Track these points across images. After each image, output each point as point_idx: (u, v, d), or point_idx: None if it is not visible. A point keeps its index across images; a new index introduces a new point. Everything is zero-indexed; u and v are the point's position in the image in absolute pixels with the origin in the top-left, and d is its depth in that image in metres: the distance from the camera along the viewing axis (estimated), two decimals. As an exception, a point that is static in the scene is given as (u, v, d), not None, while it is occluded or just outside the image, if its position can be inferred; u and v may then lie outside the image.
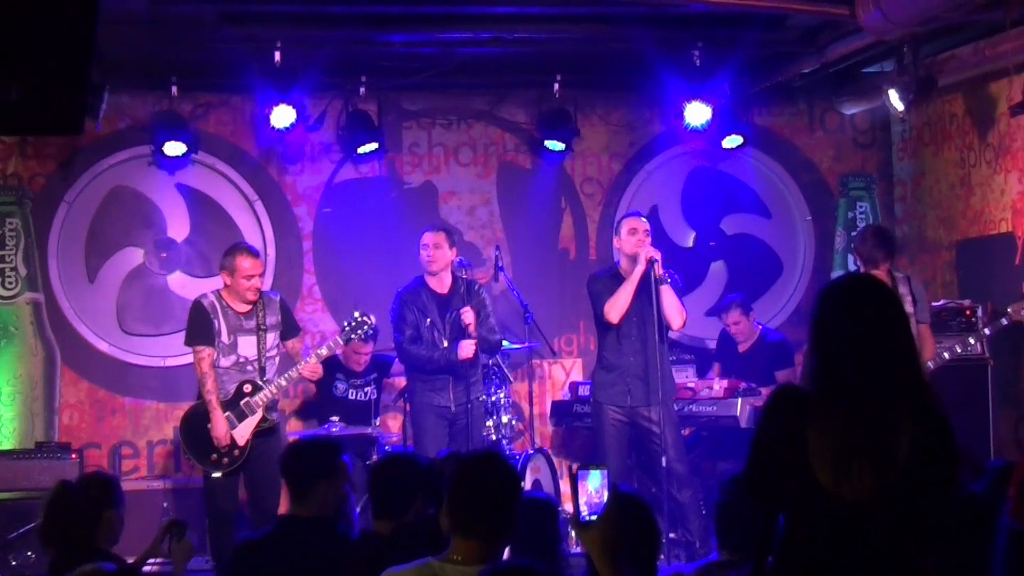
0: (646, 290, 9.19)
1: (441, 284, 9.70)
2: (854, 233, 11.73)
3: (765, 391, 10.65)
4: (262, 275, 9.22)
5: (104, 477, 6.36)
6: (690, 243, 12.25)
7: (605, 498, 3.86)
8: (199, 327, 9.02)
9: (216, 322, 8.96)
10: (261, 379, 8.98)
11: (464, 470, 4.56)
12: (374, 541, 5.53)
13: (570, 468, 10.90)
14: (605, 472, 3.92)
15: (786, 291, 12.29)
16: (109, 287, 11.35)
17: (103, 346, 11.29)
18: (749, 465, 4.07)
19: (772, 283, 12.32)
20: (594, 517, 3.84)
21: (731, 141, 11.52)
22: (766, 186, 12.30)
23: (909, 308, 9.32)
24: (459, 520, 4.44)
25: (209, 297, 9.07)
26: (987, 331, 9.69)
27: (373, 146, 11.26)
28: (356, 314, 9.31)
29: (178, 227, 11.44)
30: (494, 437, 10.32)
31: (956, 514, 3.90)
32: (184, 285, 11.34)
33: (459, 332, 9.52)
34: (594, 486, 3.88)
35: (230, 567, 5.95)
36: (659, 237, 11.45)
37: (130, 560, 5.98)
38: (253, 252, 9.14)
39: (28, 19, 3.78)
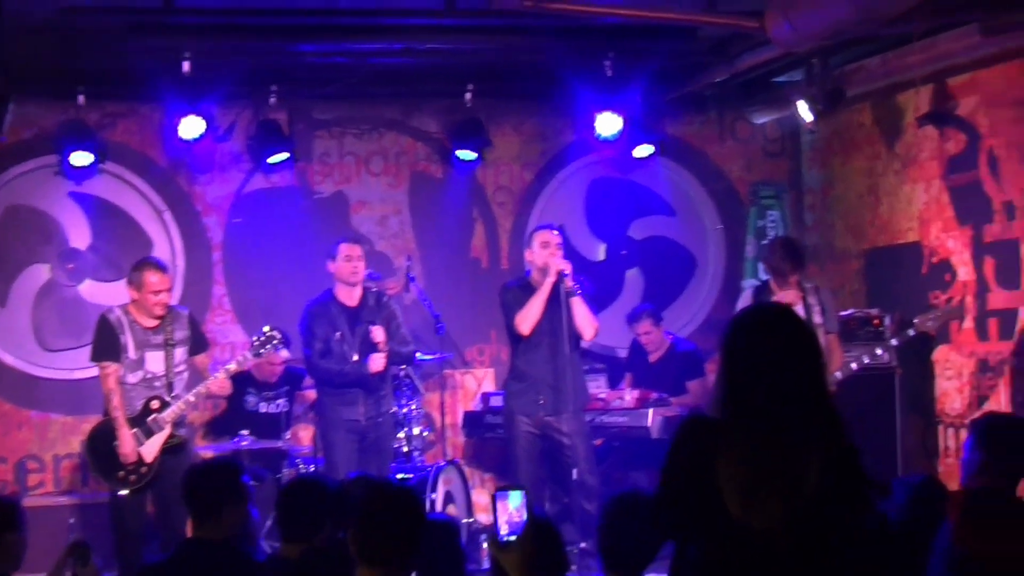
0: (557, 301, 9.22)
1: (351, 297, 9.65)
2: (764, 242, 11.83)
3: (676, 401, 10.72)
4: (170, 290, 9.11)
5: (3, 501, 6.17)
6: (601, 255, 12.28)
7: (523, 517, 3.88)
8: (105, 342, 8.90)
9: (122, 337, 8.85)
10: (169, 395, 8.87)
11: (369, 499, 4.54)
12: (282, 565, 5.48)
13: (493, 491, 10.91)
14: (524, 493, 3.95)
15: (696, 299, 12.34)
16: (21, 307, 11.18)
17: (8, 359, 11.12)
18: (659, 494, 4.06)
19: (688, 280, 12.39)
20: (513, 537, 3.86)
21: (642, 150, 11.54)
22: (677, 194, 12.33)
23: (818, 318, 9.42)
24: (364, 548, 4.43)
25: (115, 312, 8.96)
26: (894, 341, 9.78)
27: (283, 156, 11.18)
28: (265, 328, 9.23)
29: (80, 236, 11.27)
30: (406, 449, 10.27)
31: (867, 540, 3.90)
32: (95, 292, 11.19)
33: (369, 345, 9.48)
34: (514, 506, 3.90)
35: None
36: (569, 253, 11.47)
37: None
38: (160, 266, 9.03)
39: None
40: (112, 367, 8.84)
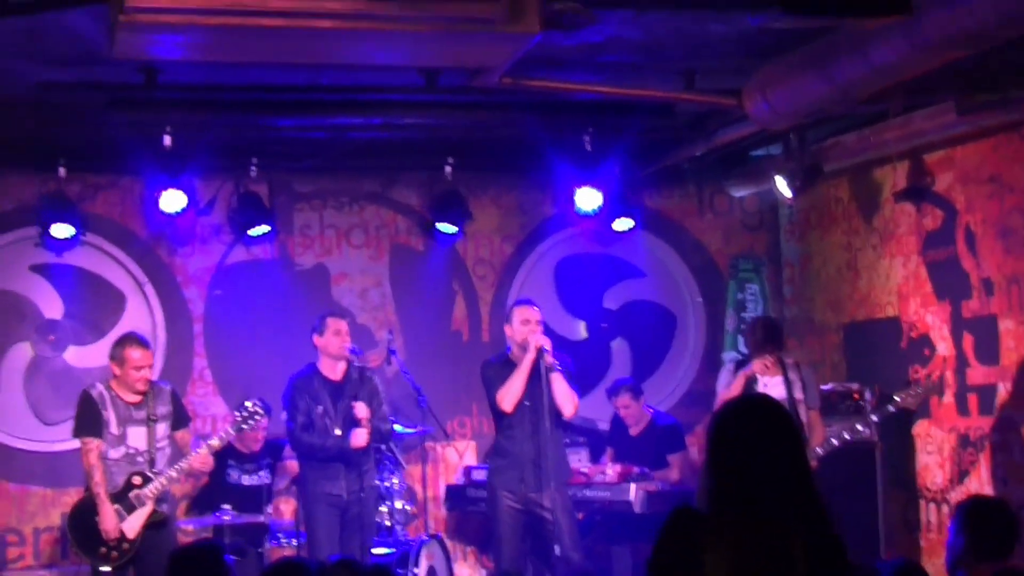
0: (537, 377, 9.24)
1: (335, 371, 9.65)
2: (744, 314, 11.90)
3: (657, 475, 10.73)
4: (151, 366, 9.11)
5: None
6: (583, 333, 12.33)
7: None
8: (87, 418, 8.88)
9: (105, 413, 8.83)
10: (151, 470, 8.84)
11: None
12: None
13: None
14: None
15: (677, 372, 12.37)
16: (12, 388, 11.16)
17: (-12, 432, 11.10)
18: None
19: (673, 336, 12.44)
20: None
21: (622, 224, 11.58)
22: (656, 266, 12.39)
23: (799, 394, 9.47)
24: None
25: (98, 387, 8.95)
26: (874, 417, 9.80)
27: (264, 228, 11.21)
28: (248, 404, 9.22)
29: (53, 307, 11.26)
30: (388, 523, 10.27)
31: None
32: (81, 357, 11.23)
33: (352, 420, 9.46)
34: None
35: None
36: (549, 335, 11.52)
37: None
38: (143, 343, 9.04)
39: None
40: (94, 443, 8.81)
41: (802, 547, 3.80)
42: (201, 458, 8.97)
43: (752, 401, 4.28)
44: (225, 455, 10.20)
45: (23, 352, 11.22)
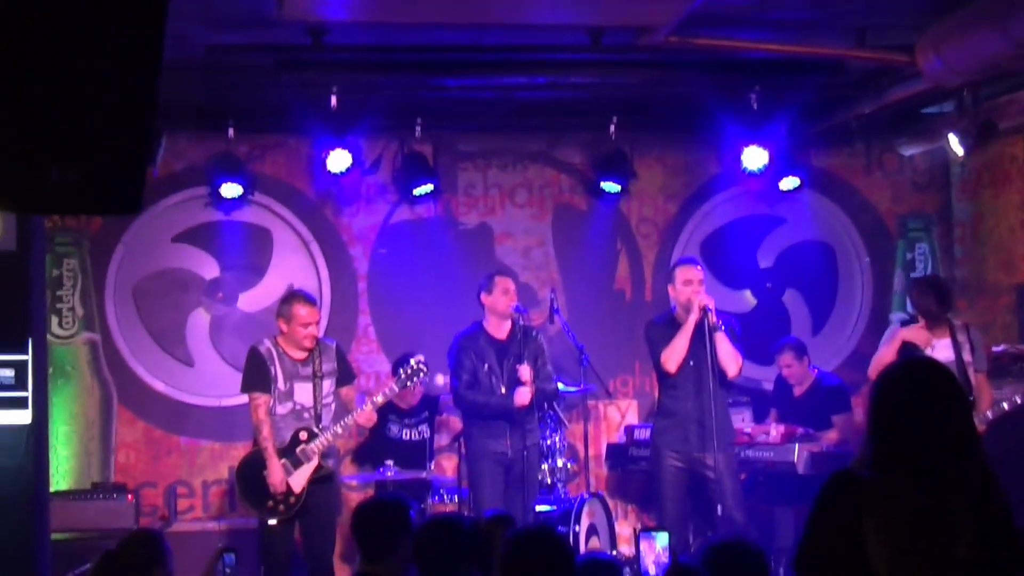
0: (701, 338, 9.18)
1: (501, 330, 9.67)
2: (913, 274, 11.68)
3: (822, 436, 10.59)
4: (318, 322, 9.23)
5: (148, 536, 6.29)
6: (751, 301, 12.22)
7: (668, 559, 3.92)
8: (255, 374, 9.04)
9: (272, 369, 8.97)
10: (317, 426, 8.97)
11: (516, 544, 4.55)
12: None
13: (634, 530, 10.91)
14: (669, 535, 3.98)
15: (844, 333, 12.19)
16: (205, 354, 11.41)
17: (159, 386, 11.32)
18: (802, 550, 4.03)
19: (837, 271, 12.29)
20: None
21: (788, 183, 11.44)
22: (824, 227, 12.21)
23: (967, 356, 9.27)
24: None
25: (266, 344, 9.09)
26: (1047, 380, 9.60)
27: (428, 187, 11.28)
28: (412, 361, 9.28)
29: (207, 267, 11.46)
30: (549, 481, 10.29)
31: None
32: (252, 301, 11.45)
33: (517, 379, 9.49)
34: (661, 545, 3.92)
35: None
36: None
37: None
38: (310, 299, 9.15)
39: (88, 97, 3.79)
40: (262, 398, 8.96)
41: (967, 514, 3.72)
42: (366, 414, 9.07)
43: (916, 364, 4.19)
44: (385, 410, 10.28)
45: (200, 319, 11.43)
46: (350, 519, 6.05)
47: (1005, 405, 9.29)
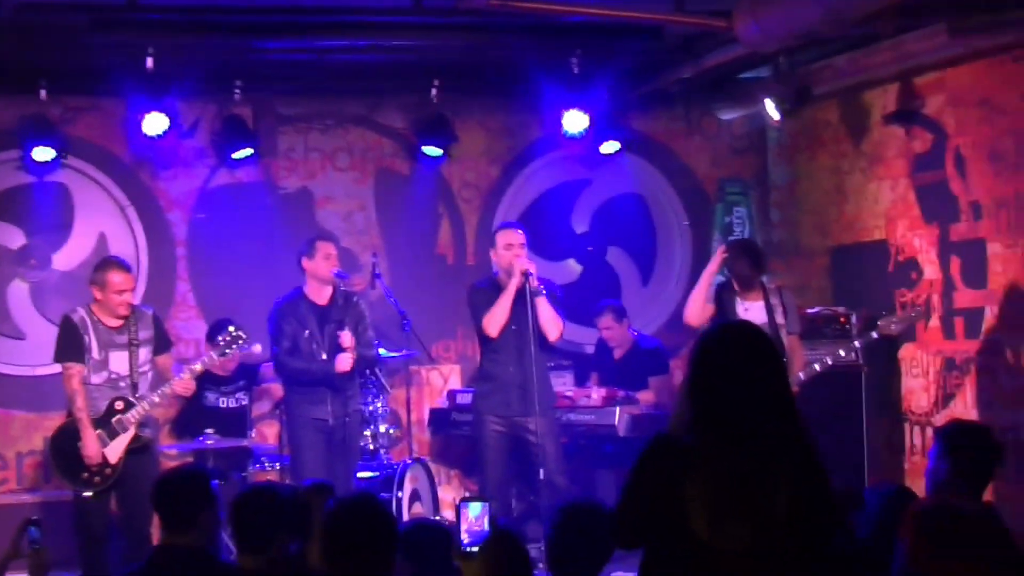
0: (523, 302, 9.19)
1: (322, 295, 9.58)
2: (731, 238, 11.83)
3: (640, 396, 10.70)
4: (133, 289, 9.03)
5: None
6: (577, 269, 12.29)
7: (485, 526, 3.91)
8: (69, 343, 8.82)
9: (86, 338, 8.77)
10: (133, 395, 8.79)
11: (339, 514, 4.51)
12: (241, 576, 5.41)
13: (455, 500, 10.95)
14: (486, 504, 3.97)
15: (662, 296, 12.31)
16: (37, 324, 11.02)
17: (-31, 358, 11.04)
18: (621, 510, 4.06)
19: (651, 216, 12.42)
20: (475, 548, 3.89)
21: (609, 146, 11.51)
22: (644, 190, 12.31)
23: (780, 319, 9.42)
24: (335, 565, 4.39)
25: (79, 312, 8.87)
26: (857, 343, 9.79)
27: (248, 151, 11.13)
28: (231, 328, 9.15)
29: (11, 237, 11.10)
30: (372, 447, 10.24)
31: (833, 563, 3.90)
32: (67, 258, 11.18)
33: (338, 345, 9.41)
34: (474, 515, 3.93)
35: None
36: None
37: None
38: (124, 266, 8.96)
39: None
40: (75, 368, 8.76)
41: (785, 474, 3.77)
42: (184, 383, 8.92)
43: (733, 327, 4.24)
44: (202, 379, 10.10)
45: (20, 290, 11.13)
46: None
47: (817, 367, 9.48)
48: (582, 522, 4.89)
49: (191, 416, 10.43)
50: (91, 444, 8.65)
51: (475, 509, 3.95)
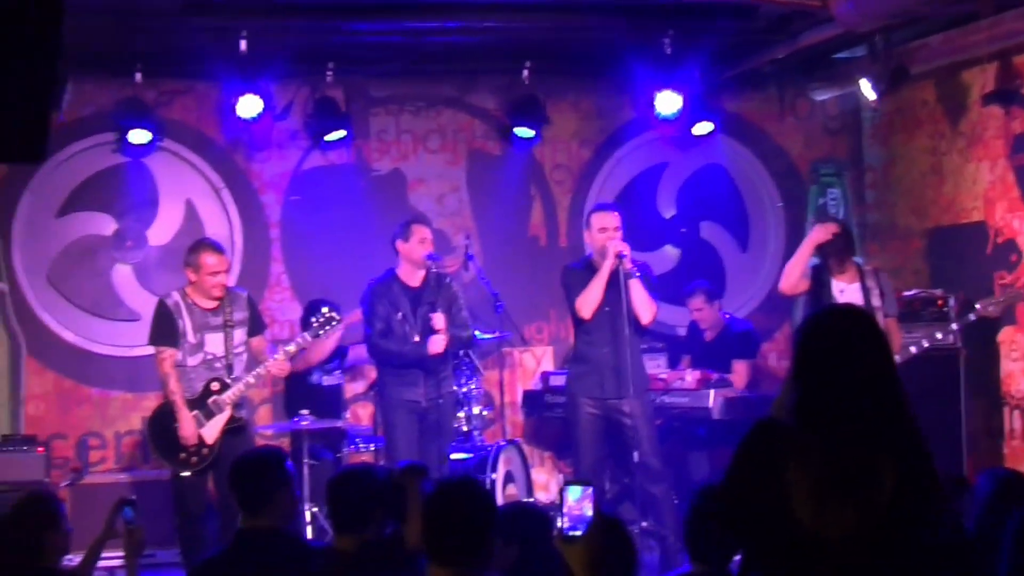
0: (616, 284, 9.15)
1: (415, 277, 9.57)
2: (825, 220, 11.71)
3: (733, 378, 10.63)
4: (227, 271, 9.08)
5: (41, 497, 6.07)
6: (674, 254, 12.21)
7: (587, 511, 3.89)
8: (162, 327, 8.92)
9: (180, 322, 8.85)
10: (229, 376, 8.87)
11: (439, 496, 4.51)
12: (337, 558, 5.42)
13: (548, 482, 10.97)
14: (588, 488, 3.95)
15: (756, 279, 12.22)
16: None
17: (68, 336, 11.15)
18: (723, 496, 4.01)
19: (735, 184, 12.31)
20: (577, 532, 3.86)
21: (702, 128, 11.45)
22: (737, 172, 12.22)
23: (876, 301, 9.32)
24: (435, 547, 4.39)
25: (173, 296, 8.95)
26: (955, 326, 9.68)
27: (340, 133, 11.17)
28: (324, 310, 9.19)
29: (104, 225, 11.24)
30: (465, 429, 10.25)
31: (941, 550, 3.83)
32: (159, 233, 11.30)
33: (431, 327, 9.42)
34: (574, 499, 3.90)
35: None
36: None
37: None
38: (218, 248, 9.01)
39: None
40: (167, 352, 8.85)
41: (889, 458, 3.71)
42: (278, 364, 8.98)
43: (838, 310, 4.16)
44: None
45: (124, 273, 11.27)
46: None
47: (913, 349, 9.38)
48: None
49: (297, 395, 10.44)
50: (187, 425, 8.74)
51: (576, 492, 3.91)
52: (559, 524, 3.89)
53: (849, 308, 4.08)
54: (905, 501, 3.68)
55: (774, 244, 12.28)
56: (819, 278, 9.47)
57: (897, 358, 9.00)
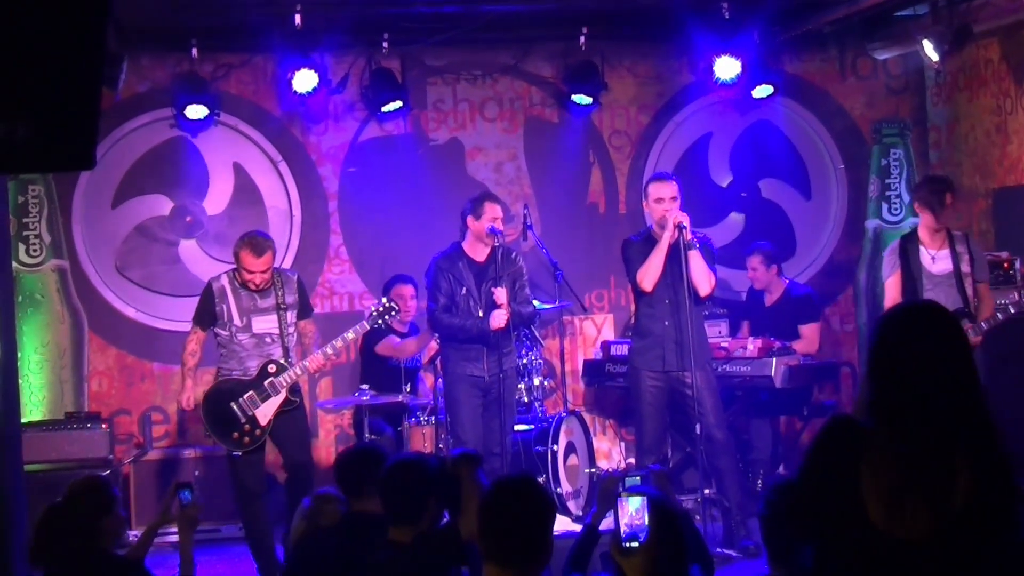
0: (676, 256, 9.05)
1: (480, 252, 9.48)
2: (888, 180, 11.58)
3: (795, 345, 10.51)
4: (266, 270, 8.83)
5: (93, 485, 6.06)
6: (742, 218, 12.10)
7: (644, 520, 3.84)
8: (201, 309, 9.00)
9: (222, 306, 8.87)
10: (285, 358, 8.86)
11: (498, 496, 4.47)
12: (395, 549, 5.38)
13: (610, 451, 10.91)
14: (645, 499, 3.91)
15: (819, 242, 12.09)
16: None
17: (130, 312, 11.21)
18: (797, 495, 3.96)
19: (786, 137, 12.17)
20: (635, 543, 3.82)
21: (761, 91, 11.32)
22: (798, 134, 12.07)
23: (966, 267, 9.14)
24: (493, 548, 4.35)
25: (221, 280, 8.94)
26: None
27: (397, 104, 11.12)
28: (384, 300, 9.19)
29: (160, 206, 11.30)
30: (526, 399, 10.23)
31: (1018, 555, 3.76)
32: (214, 203, 11.37)
33: (494, 301, 9.35)
34: (634, 508, 3.86)
35: (294, 556, 6.10)
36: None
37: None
38: (259, 249, 8.79)
39: (35, 53, 3.66)
40: (197, 333, 9.03)
41: (965, 459, 3.64)
42: (317, 361, 8.90)
43: (916, 308, 4.05)
44: (383, 331, 10.08)
45: (190, 248, 11.34)
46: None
47: (999, 316, 9.14)
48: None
49: (376, 368, 10.44)
50: (187, 393, 9.01)
51: (635, 503, 3.88)
52: (621, 534, 3.84)
53: (928, 305, 3.98)
54: (981, 504, 3.62)
55: (836, 206, 12.14)
56: (908, 248, 9.27)
57: (984, 325, 8.88)
